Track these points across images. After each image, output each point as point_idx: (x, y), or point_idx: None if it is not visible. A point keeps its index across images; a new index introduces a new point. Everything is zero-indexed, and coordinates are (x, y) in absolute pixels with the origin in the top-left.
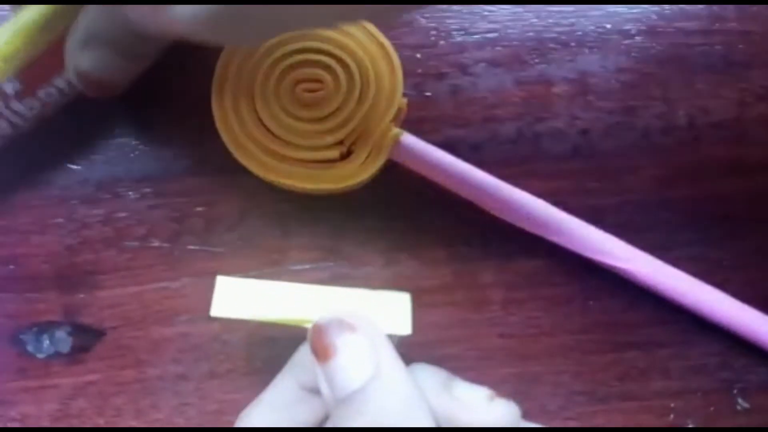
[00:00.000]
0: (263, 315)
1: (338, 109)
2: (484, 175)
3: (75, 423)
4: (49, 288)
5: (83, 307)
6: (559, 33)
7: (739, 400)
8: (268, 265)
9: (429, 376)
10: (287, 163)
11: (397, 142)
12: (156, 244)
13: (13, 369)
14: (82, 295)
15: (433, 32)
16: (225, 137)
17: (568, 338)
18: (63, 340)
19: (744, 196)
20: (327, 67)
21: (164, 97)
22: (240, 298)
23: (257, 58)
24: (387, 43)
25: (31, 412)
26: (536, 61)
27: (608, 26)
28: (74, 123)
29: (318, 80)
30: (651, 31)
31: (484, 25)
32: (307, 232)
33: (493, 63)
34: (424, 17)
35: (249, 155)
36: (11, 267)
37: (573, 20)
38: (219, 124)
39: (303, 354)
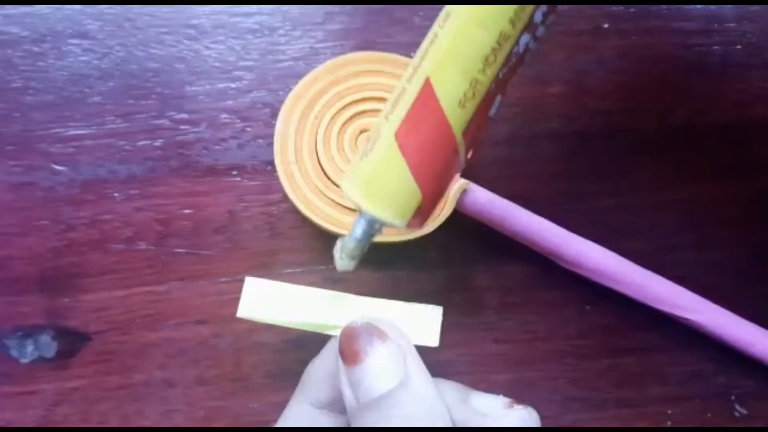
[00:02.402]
0: (290, 319)
1: None
2: (552, 226)
3: None
4: (33, 291)
5: (68, 311)
6: (556, 32)
7: (737, 407)
8: (257, 268)
9: (447, 389)
10: (349, 213)
11: (463, 193)
12: (142, 246)
13: None
14: (66, 299)
15: (427, 30)
16: (286, 186)
17: (563, 343)
18: (47, 344)
19: (743, 198)
20: None
21: (155, 94)
22: (267, 300)
23: (320, 108)
24: None
25: (14, 419)
26: (532, 61)
27: (606, 26)
28: (61, 123)
29: None
30: (649, 32)
31: None
32: (296, 235)
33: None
34: (418, 16)
35: (312, 207)
36: None
37: (570, 20)
38: (282, 175)
39: (315, 369)
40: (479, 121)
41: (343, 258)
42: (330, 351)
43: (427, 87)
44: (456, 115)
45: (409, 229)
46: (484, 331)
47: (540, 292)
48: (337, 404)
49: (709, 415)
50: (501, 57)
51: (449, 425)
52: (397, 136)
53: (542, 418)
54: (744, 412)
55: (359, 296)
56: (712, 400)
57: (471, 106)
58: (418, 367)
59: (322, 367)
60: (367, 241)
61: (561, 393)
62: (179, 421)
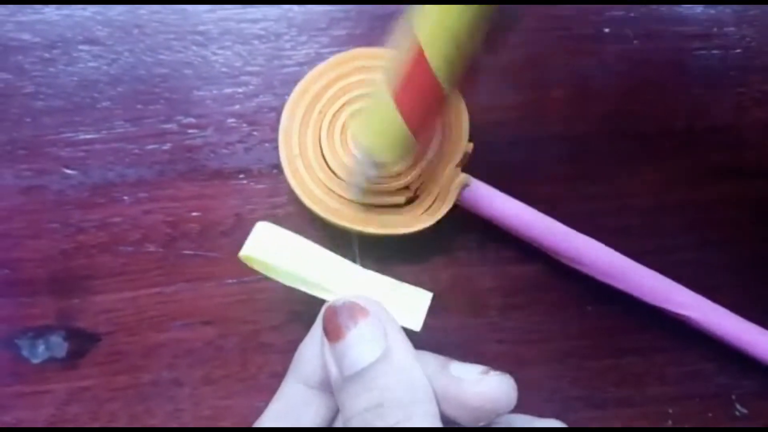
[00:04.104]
0: (287, 269)
1: None
2: (553, 222)
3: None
4: (44, 293)
5: (78, 312)
6: (558, 37)
7: (738, 406)
8: None
9: (429, 360)
10: (353, 208)
11: (464, 188)
12: (151, 249)
13: (8, 374)
14: (76, 300)
15: None
16: (292, 181)
17: (565, 344)
18: (58, 345)
19: (742, 200)
20: None
21: (161, 98)
22: (273, 246)
23: (324, 103)
24: None
25: (26, 418)
26: (534, 65)
27: (606, 30)
28: (71, 128)
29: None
30: (649, 36)
31: None
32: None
33: (490, 67)
34: None
35: (315, 199)
36: (6, 271)
37: (571, 24)
38: (286, 170)
39: (305, 349)
40: (465, 65)
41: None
42: (318, 330)
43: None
44: (442, 68)
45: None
46: (487, 332)
47: (542, 293)
48: (327, 384)
49: (710, 414)
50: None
51: (430, 396)
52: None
53: (544, 417)
54: (744, 411)
55: (357, 266)
56: (712, 400)
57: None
58: (399, 340)
59: (312, 346)
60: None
61: (562, 392)
62: (187, 421)
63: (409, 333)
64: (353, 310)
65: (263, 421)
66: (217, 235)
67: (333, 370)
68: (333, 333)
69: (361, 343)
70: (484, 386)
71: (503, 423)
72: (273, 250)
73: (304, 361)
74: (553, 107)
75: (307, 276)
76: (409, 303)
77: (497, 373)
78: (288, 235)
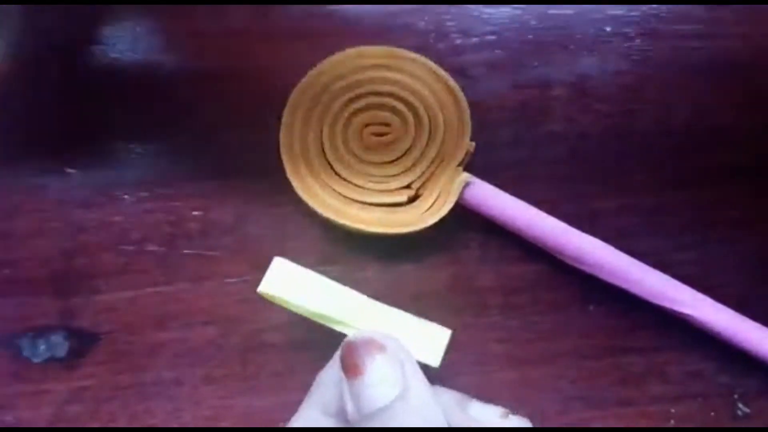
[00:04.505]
0: (305, 306)
1: (406, 152)
2: (554, 221)
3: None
4: (45, 292)
5: (79, 312)
6: (558, 36)
7: (740, 406)
8: (264, 269)
9: (446, 398)
10: (355, 206)
11: (466, 187)
12: (152, 248)
13: (9, 373)
14: (77, 300)
15: (432, 34)
16: (293, 179)
17: (566, 343)
18: (59, 344)
19: (744, 199)
20: (395, 111)
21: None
22: (289, 283)
23: (325, 102)
24: (455, 86)
25: (27, 417)
26: (535, 64)
27: (608, 29)
28: (71, 126)
29: (386, 124)
30: (650, 34)
31: (483, 28)
32: (303, 237)
33: (492, 66)
34: (422, 20)
35: (316, 198)
36: (7, 271)
37: (572, 23)
38: (287, 167)
39: (326, 375)
40: None
41: None
42: (338, 360)
43: None
44: None
45: None
46: (487, 331)
47: (543, 292)
48: (345, 413)
49: (712, 414)
50: None
51: None
52: None
53: (545, 416)
54: (747, 411)
55: (375, 302)
56: (714, 400)
57: None
58: (416, 379)
59: (332, 374)
60: None
61: (563, 392)
62: (187, 420)
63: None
64: (370, 347)
65: None
66: (218, 234)
67: (350, 407)
68: (351, 370)
69: (378, 382)
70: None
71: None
72: (290, 286)
73: (323, 388)
74: (553, 106)
75: (326, 312)
76: (428, 339)
77: (517, 417)
78: (304, 272)
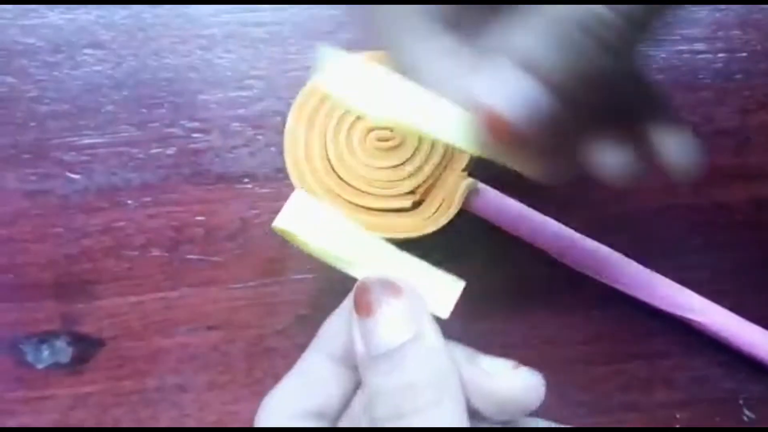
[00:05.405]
0: (320, 243)
1: (410, 158)
2: (560, 227)
3: None
4: (49, 297)
5: (82, 317)
6: None
7: (745, 411)
8: (268, 274)
9: (457, 350)
10: (358, 211)
11: (470, 192)
12: (155, 253)
13: (12, 379)
14: (81, 305)
15: None
16: (297, 184)
17: (571, 348)
18: (62, 350)
19: (747, 204)
20: None
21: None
22: (306, 218)
23: (330, 107)
24: None
25: (31, 423)
26: None
27: None
28: (75, 132)
29: (390, 128)
30: (654, 39)
31: None
32: None
33: None
34: None
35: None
36: (10, 276)
37: None
38: (291, 173)
39: (332, 322)
40: None
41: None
42: (348, 304)
43: None
44: None
45: None
46: (491, 337)
47: (548, 297)
48: (350, 358)
49: (717, 419)
50: None
51: (457, 382)
52: None
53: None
54: (752, 416)
55: (391, 246)
56: (719, 405)
57: None
58: (430, 326)
59: (339, 320)
60: None
61: (568, 398)
62: (191, 426)
63: None
64: (386, 288)
65: (281, 389)
66: (221, 239)
67: (360, 346)
68: (363, 308)
69: (393, 323)
70: (516, 380)
71: (521, 425)
72: (307, 223)
73: (329, 333)
74: None
75: (341, 253)
76: (440, 289)
77: (526, 368)
78: (323, 208)
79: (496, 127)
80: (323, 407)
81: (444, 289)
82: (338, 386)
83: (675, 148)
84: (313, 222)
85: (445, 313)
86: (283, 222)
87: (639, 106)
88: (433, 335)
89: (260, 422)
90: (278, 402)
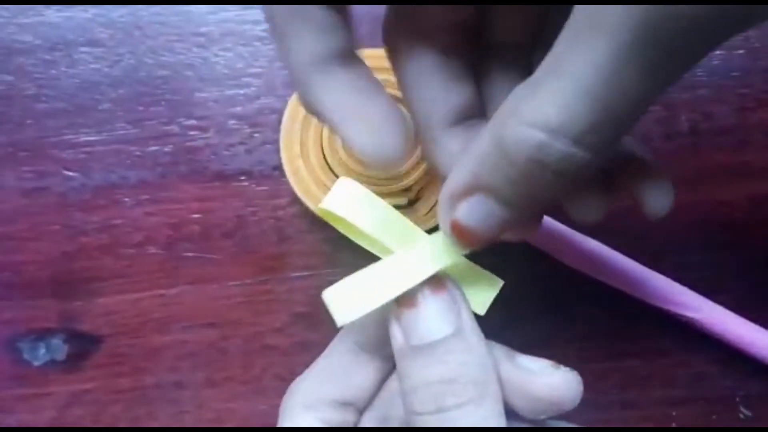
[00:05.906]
0: (366, 229)
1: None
2: (557, 225)
3: None
4: (46, 295)
5: (80, 315)
6: None
7: (742, 409)
8: (265, 272)
9: (495, 347)
10: None
11: None
12: (153, 251)
13: (9, 377)
14: (78, 303)
15: None
16: (292, 181)
17: (569, 346)
18: (59, 347)
19: (745, 202)
20: None
21: (159, 103)
22: (354, 203)
23: None
24: None
25: (28, 420)
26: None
27: None
28: (73, 130)
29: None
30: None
31: None
32: (304, 239)
33: None
34: None
35: (317, 200)
36: (7, 274)
37: None
38: (287, 169)
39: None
40: None
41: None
42: None
43: None
44: None
45: None
46: (488, 335)
47: (546, 296)
48: (379, 348)
49: (714, 417)
50: None
51: (496, 378)
52: None
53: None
54: (749, 414)
55: (435, 237)
56: (717, 403)
57: None
58: (471, 323)
59: (370, 313)
60: None
61: None
62: (189, 423)
63: None
64: (430, 281)
65: (311, 375)
66: (218, 237)
67: (398, 337)
68: (406, 299)
69: (436, 316)
70: (556, 379)
71: (548, 426)
72: (352, 207)
73: (359, 324)
74: None
75: (384, 242)
76: (478, 286)
77: (567, 368)
78: (368, 194)
79: (466, 238)
80: (348, 396)
81: (483, 286)
82: (365, 376)
83: (655, 198)
84: (358, 207)
85: (482, 310)
86: (329, 204)
87: (616, 167)
88: (474, 331)
89: (285, 408)
90: (304, 389)
